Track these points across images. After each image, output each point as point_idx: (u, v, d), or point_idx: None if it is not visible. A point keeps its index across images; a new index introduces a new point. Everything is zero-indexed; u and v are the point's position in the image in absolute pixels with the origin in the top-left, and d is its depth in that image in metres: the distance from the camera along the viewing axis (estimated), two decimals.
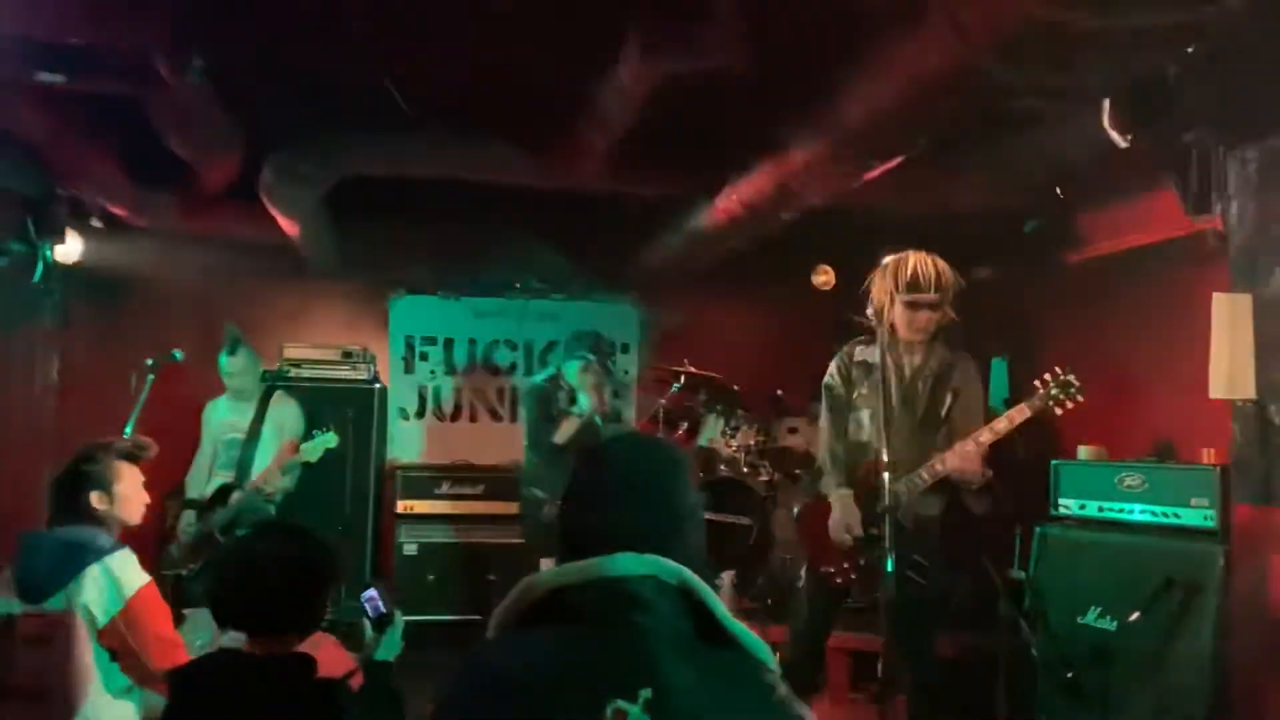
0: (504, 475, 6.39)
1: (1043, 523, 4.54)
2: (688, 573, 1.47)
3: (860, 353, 3.92)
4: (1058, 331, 5.44)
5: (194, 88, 3.64)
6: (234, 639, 2.44)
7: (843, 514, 3.78)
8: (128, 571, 2.97)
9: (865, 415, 3.85)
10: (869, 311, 3.81)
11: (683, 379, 6.23)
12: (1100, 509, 4.39)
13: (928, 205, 5.37)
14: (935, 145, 4.06)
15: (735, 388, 6.28)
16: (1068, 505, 4.52)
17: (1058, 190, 4.92)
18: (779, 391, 6.26)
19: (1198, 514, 3.98)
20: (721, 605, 1.46)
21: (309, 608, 2.41)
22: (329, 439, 5.15)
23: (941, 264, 3.79)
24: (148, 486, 3.26)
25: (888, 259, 3.83)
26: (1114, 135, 3.81)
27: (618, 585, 1.43)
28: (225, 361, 5.37)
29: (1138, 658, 3.92)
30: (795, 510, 4.07)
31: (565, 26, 3.77)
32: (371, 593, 2.68)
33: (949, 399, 3.79)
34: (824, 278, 6.38)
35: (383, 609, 2.65)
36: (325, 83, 4.41)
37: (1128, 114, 3.78)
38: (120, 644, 2.92)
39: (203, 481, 5.35)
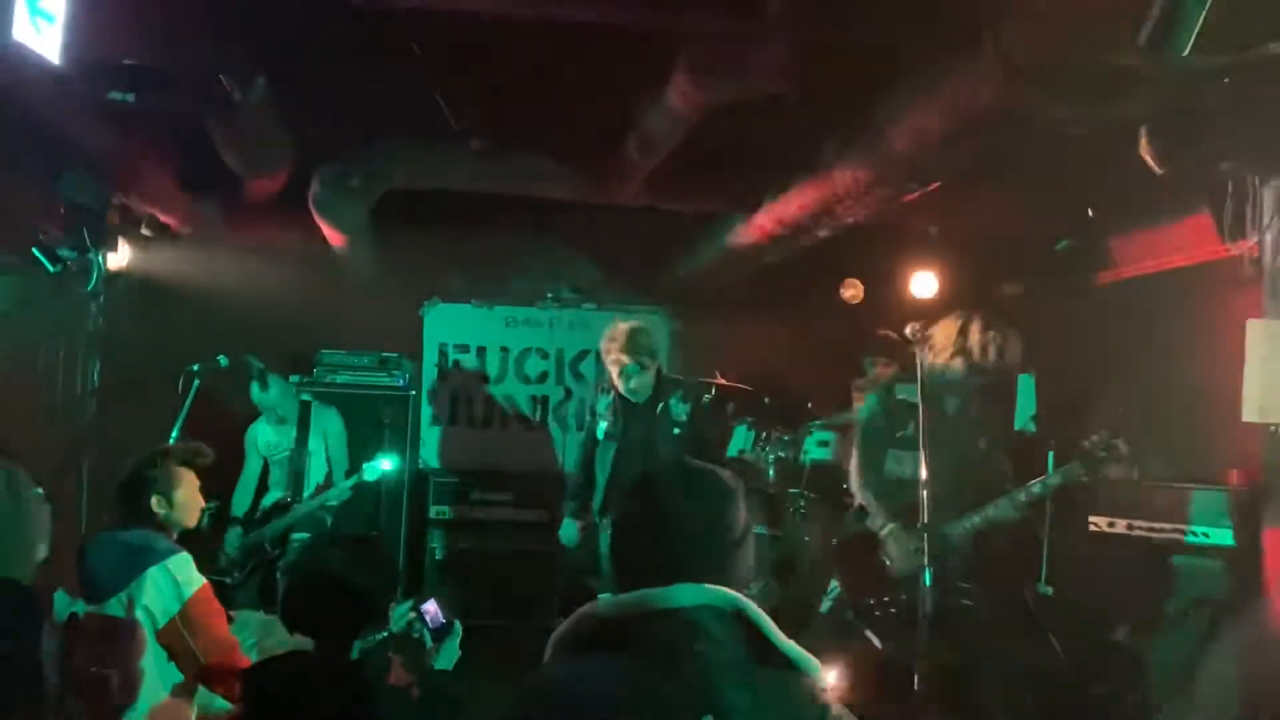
0: (534, 483, 6.48)
1: (1071, 540, 4.60)
2: (742, 599, 1.54)
3: (901, 390, 4.05)
4: (1087, 351, 5.48)
5: (255, 106, 3.75)
6: (281, 642, 2.56)
7: (903, 548, 3.88)
8: (186, 573, 3.08)
9: (908, 455, 3.93)
10: (929, 347, 3.93)
11: (713, 390, 6.30)
12: (1129, 527, 4.45)
13: (959, 223, 5.44)
14: (971, 168, 4.14)
15: (765, 399, 6.35)
16: (1097, 523, 4.58)
17: (1090, 211, 4.99)
18: (809, 404, 6.32)
19: (1225, 534, 4.04)
20: (775, 629, 1.53)
21: (371, 614, 2.53)
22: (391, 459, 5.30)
23: (1013, 340, 3.90)
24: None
25: (962, 319, 3.95)
26: (1150, 161, 3.88)
27: (677, 616, 1.49)
28: (258, 396, 5.47)
29: (1166, 675, 3.98)
30: (835, 541, 4.16)
31: (616, 48, 3.85)
32: (431, 604, 2.79)
33: (983, 443, 3.92)
34: (853, 292, 6.44)
35: (442, 620, 2.76)
36: (373, 96, 4.51)
37: (1164, 142, 3.84)
38: (178, 643, 3.02)
39: (246, 500, 5.48)
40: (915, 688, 3.55)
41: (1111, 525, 4.50)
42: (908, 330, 3.92)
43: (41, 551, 2.92)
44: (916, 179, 4.01)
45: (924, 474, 3.66)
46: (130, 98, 3.44)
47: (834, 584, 4.03)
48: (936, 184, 4.11)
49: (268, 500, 5.39)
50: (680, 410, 4.89)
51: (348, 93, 4.42)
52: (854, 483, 4.17)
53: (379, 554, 2.55)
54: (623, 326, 4.83)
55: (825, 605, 4.22)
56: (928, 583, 3.59)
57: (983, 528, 3.84)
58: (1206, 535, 4.11)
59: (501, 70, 4.25)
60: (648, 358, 4.79)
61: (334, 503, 5.26)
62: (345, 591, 2.44)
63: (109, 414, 5.90)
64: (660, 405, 4.87)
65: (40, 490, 2.99)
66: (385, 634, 2.57)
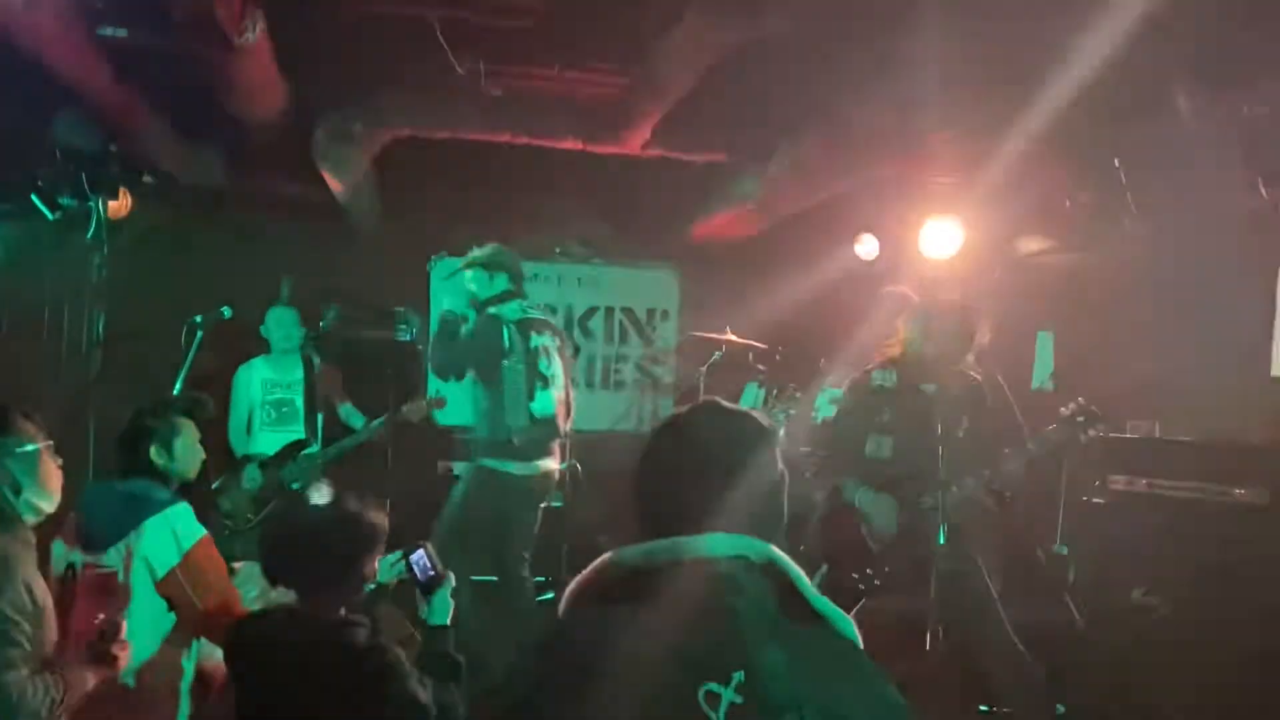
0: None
1: (1088, 498, 4.52)
2: (776, 552, 1.45)
3: (877, 378, 4.04)
4: (1108, 305, 5.36)
5: (252, 45, 3.63)
6: (284, 595, 2.47)
7: (881, 509, 3.87)
8: (186, 525, 3.02)
9: (888, 439, 3.95)
10: (896, 339, 4.00)
11: (724, 348, 6.21)
12: (1149, 485, 4.36)
13: (977, 177, 5.29)
14: (994, 116, 4.00)
15: (777, 356, 6.25)
16: (1116, 480, 4.48)
17: (1115, 161, 4.84)
18: (821, 361, 6.22)
19: (1254, 492, 3.94)
20: (809, 583, 1.44)
21: (351, 567, 2.42)
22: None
23: (969, 316, 3.91)
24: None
25: (916, 307, 3.98)
26: (1180, 104, 3.74)
27: (708, 566, 1.41)
28: (279, 312, 5.43)
29: (1184, 635, 3.90)
30: (816, 519, 4.13)
31: None
32: (419, 554, 2.62)
33: (965, 422, 3.90)
34: (867, 247, 6.33)
35: (432, 570, 2.60)
36: (376, 41, 4.39)
37: (1195, 84, 3.71)
38: (178, 594, 2.96)
39: (244, 440, 5.41)
40: (928, 646, 3.51)
41: (1131, 484, 4.42)
42: (911, 291, 3.85)
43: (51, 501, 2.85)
44: (933, 126, 3.87)
45: (940, 431, 3.61)
46: (123, 33, 3.32)
47: (824, 565, 4.00)
48: (958, 131, 3.96)
49: (264, 442, 5.32)
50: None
51: (349, 34, 4.29)
52: (829, 464, 4.17)
53: (355, 503, 2.44)
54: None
55: (814, 583, 4.16)
56: (941, 541, 3.55)
57: (970, 495, 3.80)
58: (1230, 493, 4.02)
59: (507, 11, 4.12)
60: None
61: (365, 439, 5.24)
62: (324, 543, 2.35)
63: (114, 365, 5.85)
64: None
65: (50, 441, 2.94)
66: (372, 586, 2.47)
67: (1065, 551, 4.78)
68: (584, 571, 1.49)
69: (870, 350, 4.61)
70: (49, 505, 2.76)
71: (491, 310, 4.56)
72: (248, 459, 5.22)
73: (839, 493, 4.00)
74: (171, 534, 2.98)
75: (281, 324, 5.47)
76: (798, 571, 1.45)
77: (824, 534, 4.00)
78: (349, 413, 5.56)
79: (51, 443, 2.86)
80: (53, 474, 2.78)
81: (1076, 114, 4.31)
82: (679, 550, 1.44)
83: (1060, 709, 3.97)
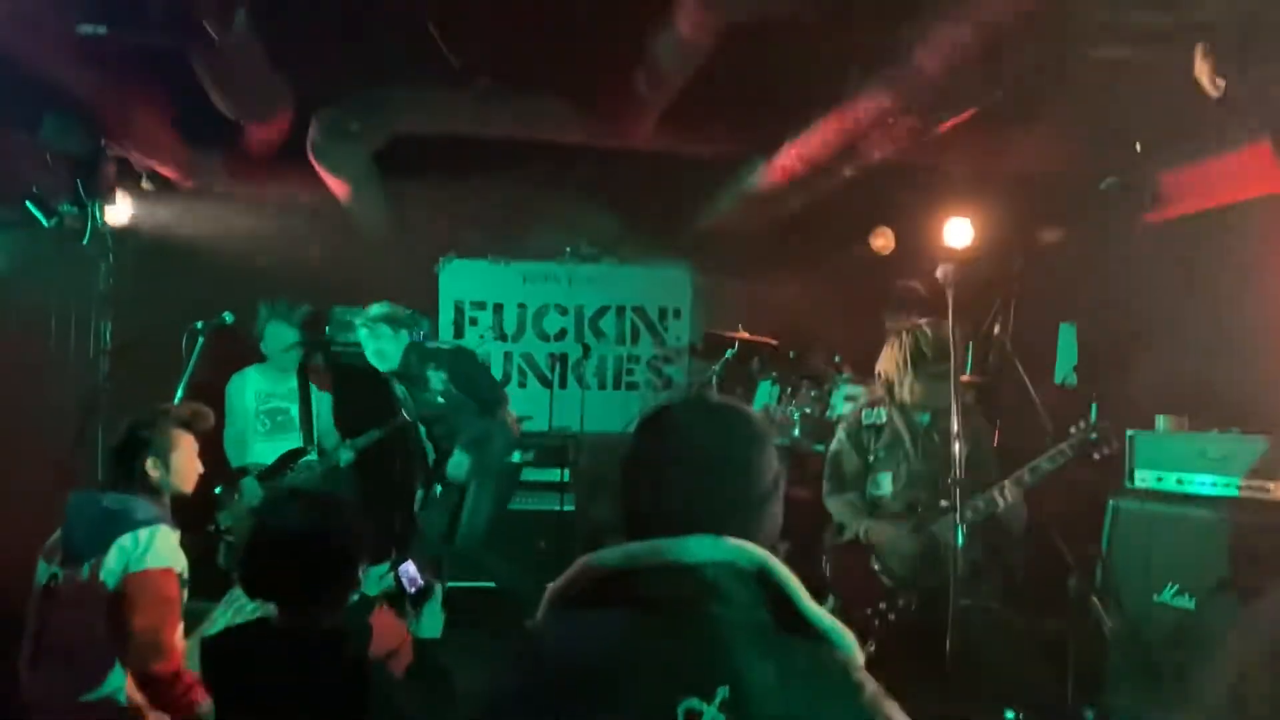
0: (553, 441, 6.29)
1: (1117, 496, 4.34)
2: (769, 558, 1.33)
3: (868, 416, 3.99)
4: (1134, 296, 5.18)
5: (238, 40, 3.54)
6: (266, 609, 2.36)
7: (890, 536, 3.78)
8: (151, 547, 2.85)
9: (886, 477, 3.89)
10: (880, 378, 3.96)
11: (737, 345, 6.08)
12: (1179, 481, 4.18)
13: (996, 164, 5.14)
14: (1008, 98, 3.85)
15: (790, 354, 6.12)
16: (1144, 478, 4.30)
17: (1137, 146, 4.67)
18: (836, 357, 6.08)
19: None
20: (805, 594, 1.32)
21: (332, 578, 2.31)
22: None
23: (947, 332, 3.76)
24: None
25: (901, 331, 3.92)
26: (1205, 83, 3.56)
27: (693, 572, 1.30)
28: (275, 326, 5.39)
29: (1216, 637, 3.73)
30: (824, 555, 4.01)
31: None
32: (407, 566, 2.58)
33: (965, 449, 3.72)
34: (883, 241, 6.19)
35: (420, 582, 2.55)
36: (373, 37, 4.30)
37: (1219, 61, 3.53)
38: (115, 616, 2.78)
39: (242, 452, 5.33)
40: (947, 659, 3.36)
41: (1160, 480, 4.24)
42: (939, 273, 3.68)
43: None
44: (947, 107, 3.73)
45: (955, 426, 3.47)
46: (102, 30, 3.23)
47: (831, 597, 3.89)
48: (969, 113, 3.81)
49: (261, 452, 5.23)
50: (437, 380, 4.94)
51: (343, 30, 4.20)
52: (829, 503, 4.07)
53: (344, 511, 2.33)
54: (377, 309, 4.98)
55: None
56: (960, 544, 3.40)
57: (979, 519, 3.68)
58: (1266, 489, 3.84)
59: (500, 4, 4.02)
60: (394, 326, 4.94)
61: (362, 445, 5.14)
62: (303, 552, 2.23)
63: (120, 374, 5.81)
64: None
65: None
66: (357, 598, 2.36)
67: (1093, 553, 4.61)
68: (561, 576, 1.39)
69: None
70: None
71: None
72: (244, 471, 5.13)
73: (843, 531, 3.91)
74: (127, 552, 2.82)
75: (277, 335, 5.42)
76: (793, 581, 1.33)
77: (833, 566, 3.90)
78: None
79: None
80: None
81: (1096, 96, 4.18)
82: (659, 553, 1.32)
83: (1089, 715, 3.82)
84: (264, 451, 5.26)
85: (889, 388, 3.93)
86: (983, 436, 3.98)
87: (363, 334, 4.97)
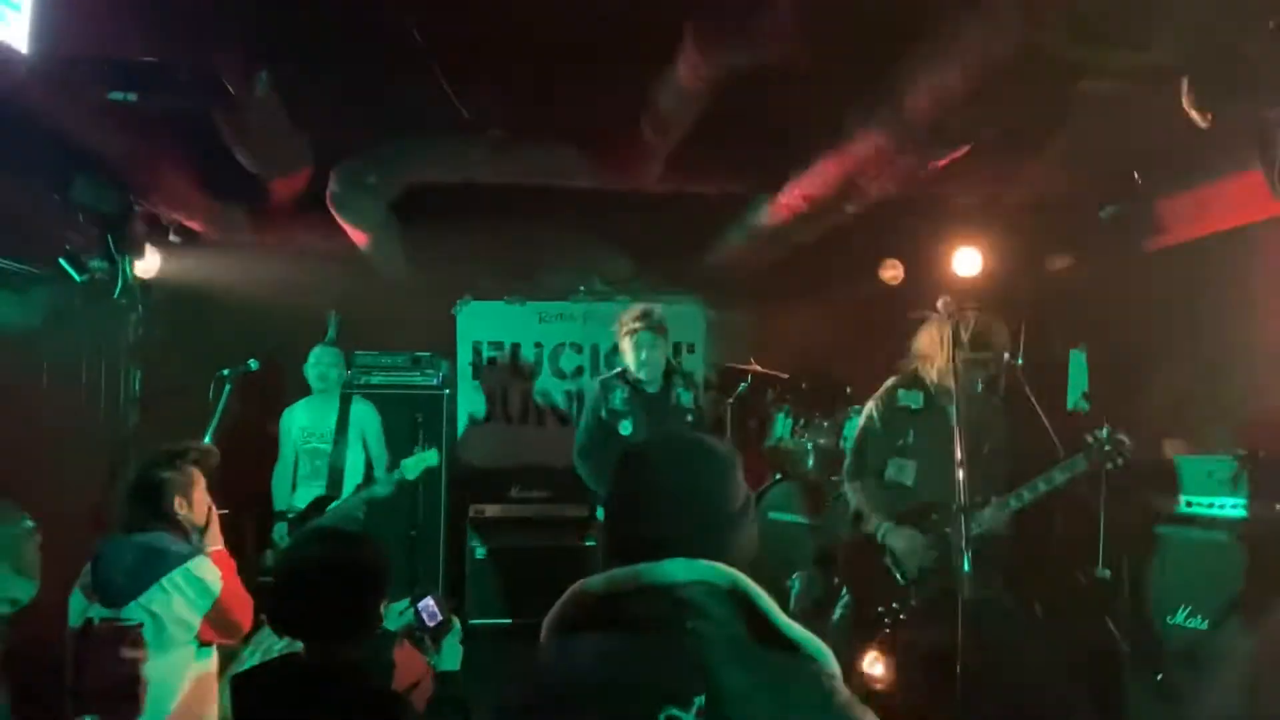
0: (573, 477, 6.38)
1: (1129, 519, 4.37)
2: (740, 576, 1.44)
3: (902, 398, 3.98)
4: (1139, 321, 5.24)
5: (260, 101, 3.71)
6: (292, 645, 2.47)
7: (909, 550, 3.80)
8: (209, 572, 3.09)
9: (911, 464, 3.91)
10: (915, 359, 3.96)
11: (750, 378, 6.17)
12: (1189, 504, 4.22)
13: (999, 195, 5.23)
14: (1006, 133, 3.96)
15: (803, 385, 6.20)
16: (1156, 501, 4.34)
17: (1135, 175, 4.75)
18: (848, 389, 6.15)
19: None
20: (776, 608, 1.43)
21: (354, 613, 2.40)
22: (430, 457, 5.13)
23: (997, 323, 3.86)
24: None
25: (940, 310, 3.84)
26: (1194, 115, 3.65)
27: (669, 592, 1.41)
28: (320, 351, 5.43)
29: (1229, 658, 3.75)
30: (839, 549, 4.06)
31: (621, 26, 3.74)
32: (427, 601, 2.66)
33: (986, 447, 3.85)
34: (892, 272, 6.27)
35: (440, 617, 2.63)
36: (387, 92, 4.46)
37: (1207, 92, 3.62)
38: (219, 630, 3.12)
39: (287, 492, 5.40)
40: (957, 678, 3.40)
41: (1171, 502, 4.28)
42: (939, 305, 3.76)
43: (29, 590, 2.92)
44: (941, 144, 3.83)
45: (959, 455, 3.54)
46: (132, 97, 3.41)
47: (845, 593, 3.92)
48: (964, 149, 3.91)
49: (300, 496, 5.33)
50: (686, 398, 4.86)
51: (358, 87, 4.36)
52: (849, 487, 4.10)
53: (367, 549, 2.43)
54: (636, 307, 4.88)
55: (837, 614, 4.09)
56: (966, 569, 3.45)
57: (995, 524, 3.73)
58: (1275, 510, 3.87)
59: (509, 57, 4.17)
60: (660, 331, 4.79)
61: (379, 495, 5.13)
62: (329, 590, 2.34)
63: (150, 422, 5.95)
64: (672, 394, 4.83)
65: (30, 523, 2.98)
66: (379, 633, 2.46)
67: (1108, 575, 4.63)
68: (556, 604, 1.50)
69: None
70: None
71: None
72: (282, 515, 5.22)
73: (861, 521, 3.93)
74: (198, 583, 3.05)
75: (319, 363, 5.45)
76: (764, 596, 1.44)
77: (846, 562, 3.93)
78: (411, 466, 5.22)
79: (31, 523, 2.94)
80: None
81: (1094, 124, 4.27)
82: (639, 577, 1.44)
83: None
84: (304, 496, 5.32)
85: (922, 369, 3.94)
86: (1008, 435, 3.98)
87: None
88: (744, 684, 1.32)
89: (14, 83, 2.93)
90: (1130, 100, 3.95)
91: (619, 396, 4.85)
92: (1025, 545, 4.01)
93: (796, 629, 1.42)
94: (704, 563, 1.44)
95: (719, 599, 1.41)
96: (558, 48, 4.07)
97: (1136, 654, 4.10)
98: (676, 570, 1.43)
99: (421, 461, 5.11)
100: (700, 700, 1.29)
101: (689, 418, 4.81)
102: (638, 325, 4.75)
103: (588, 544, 6.19)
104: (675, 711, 1.29)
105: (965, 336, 3.79)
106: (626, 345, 4.83)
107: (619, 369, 4.98)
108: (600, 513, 4.87)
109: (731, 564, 1.46)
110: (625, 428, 4.80)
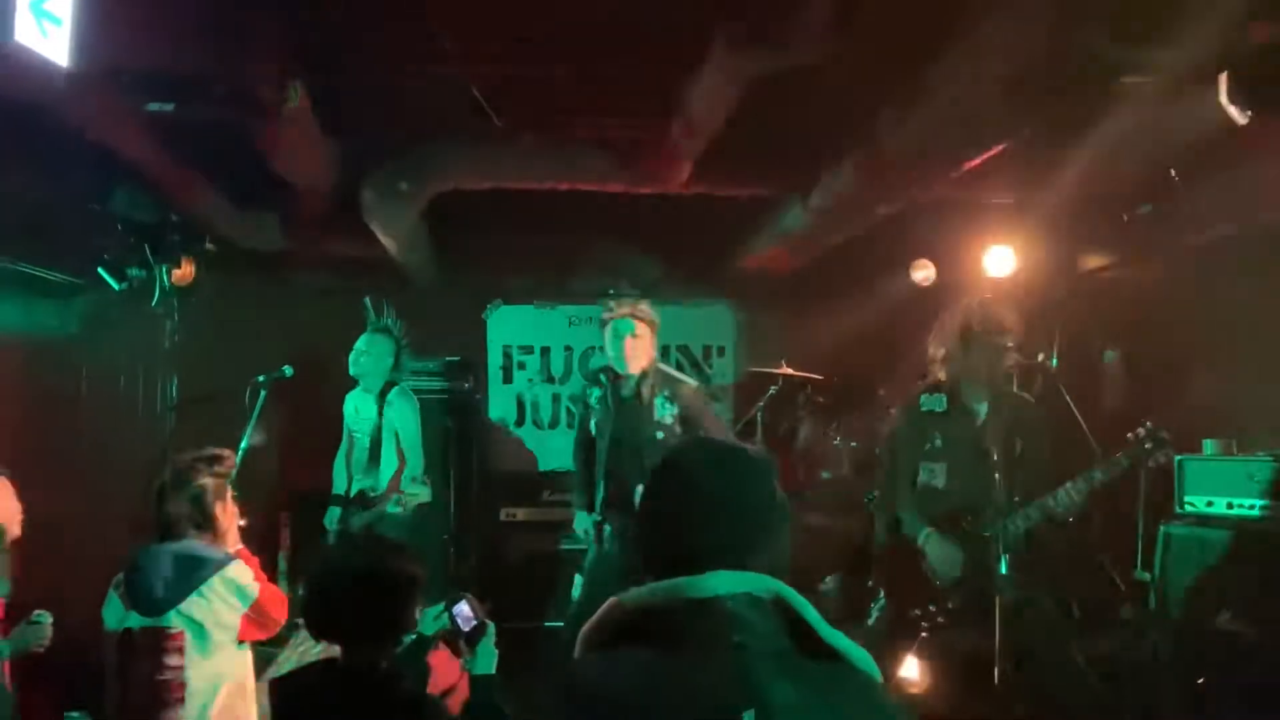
0: None
1: (1167, 521, 4.32)
2: (782, 586, 1.42)
3: (925, 402, 3.95)
4: (1175, 321, 5.16)
5: (293, 111, 3.75)
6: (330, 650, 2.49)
7: (946, 557, 3.77)
8: (245, 575, 3.12)
9: (940, 466, 3.87)
10: (934, 358, 3.93)
11: (781, 381, 6.14)
12: (1230, 505, 4.15)
13: (1033, 193, 5.17)
14: (1039, 130, 3.92)
15: (835, 387, 6.16)
16: (1194, 503, 4.28)
17: (1172, 172, 4.68)
18: (880, 391, 6.12)
19: None
20: (820, 617, 1.40)
21: (388, 619, 2.42)
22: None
23: (1006, 307, 3.83)
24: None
25: (955, 308, 3.90)
26: (1231, 111, 3.60)
27: (712, 605, 1.38)
28: (365, 339, 5.29)
29: (1270, 661, 3.69)
30: (875, 552, 4.03)
31: (652, 30, 3.75)
32: (462, 605, 2.64)
33: (1019, 445, 3.80)
34: (925, 273, 6.22)
35: (475, 621, 2.62)
36: (419, 100, 4.49)
37: (1245, 88, 3.57)
38: (260, 628, 3.16)
39: (343, 477, 5.38)
40: (996, 682, 3.38)
41: (1210, 504, 4.22)
42: (963, 307, 3.77)
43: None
44: (975, 143, 3.80)
45: (995, 456, 3.51)
46: (170, 108, 3.46)
47: (881, 596, 3.89)
48: (998, 149, 3.88)
49: (354, 483, 5.28)
50: (665, 411, 4.50)
51: (389, 95, 4.40)
52: (886, 496, 4.08)
53: (402, 557, 2.45)
54: (627, 299, 4.66)
55: (873, 617, 4.06)
56: (1004, 571, 3.44)
57: (1034, 524, 3.68)
58: None
59: (540, 62, 4.19)
60: (642, 319, 4.57)
61: (390, 513, 5.02)
62: (365, 595, 2.36)
63: (187, 428, 6.01)
64: (648, 401, 4.51)
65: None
66: (413, 637, 2.47)
67: (1146, 577, 4.57)
68: (593, 617, 1.47)
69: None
70: None
71: None
72: (339, 499, 5.21)
73: (898, 525, 3.90)
74: (238, 588, 3.07)
75: (364, 352, 5.28)
76: (808, 605, 1.41)
77: (883, 565, 3.91)
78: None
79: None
80: None
81: (1128, 125, 4.21)
82: (682, 590, 1.41)
83: None
84: (355, 484, 5.28)
85: (938, 370, 3.92)
86: (1041, 434, 3.92)
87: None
88: (792, 697, 1.29)
89: (55, 95, 2.98)
90: (1166, 97, 3.91)
91: (595, 393, 4.72)
92: (1063, 547, 3.96)
93: (841, 638, 1.39)
94: (745, 574, 1.42)
95: (763, 611, 1.38)
96: (588, 52, 4.08)
97: (1176, 658, 4.04)
98: (719, 583, 1.40)
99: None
100: (750, 716, 1.27)
101: (659, 434, 4.44)
102: (620, 312, 4.56)
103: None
104: None
105: (975, 323, 3.78)
106: (606, 334, 4.61)
107: (606, 363, 4.72)
108: (579, 518, 4.79)
109: (771, 573, 1.44)
110: (593, 426, 4.70)
